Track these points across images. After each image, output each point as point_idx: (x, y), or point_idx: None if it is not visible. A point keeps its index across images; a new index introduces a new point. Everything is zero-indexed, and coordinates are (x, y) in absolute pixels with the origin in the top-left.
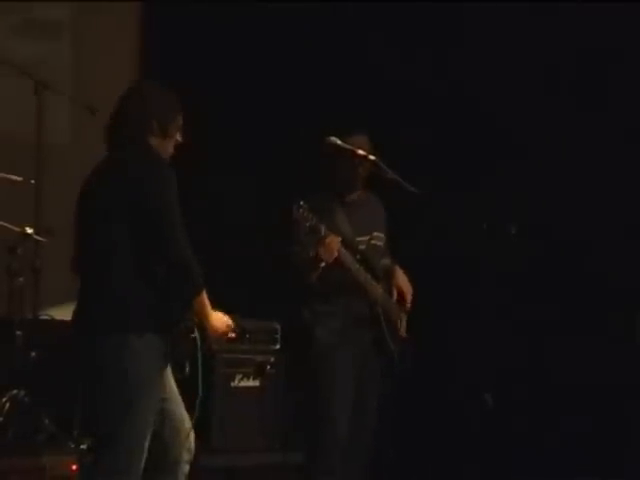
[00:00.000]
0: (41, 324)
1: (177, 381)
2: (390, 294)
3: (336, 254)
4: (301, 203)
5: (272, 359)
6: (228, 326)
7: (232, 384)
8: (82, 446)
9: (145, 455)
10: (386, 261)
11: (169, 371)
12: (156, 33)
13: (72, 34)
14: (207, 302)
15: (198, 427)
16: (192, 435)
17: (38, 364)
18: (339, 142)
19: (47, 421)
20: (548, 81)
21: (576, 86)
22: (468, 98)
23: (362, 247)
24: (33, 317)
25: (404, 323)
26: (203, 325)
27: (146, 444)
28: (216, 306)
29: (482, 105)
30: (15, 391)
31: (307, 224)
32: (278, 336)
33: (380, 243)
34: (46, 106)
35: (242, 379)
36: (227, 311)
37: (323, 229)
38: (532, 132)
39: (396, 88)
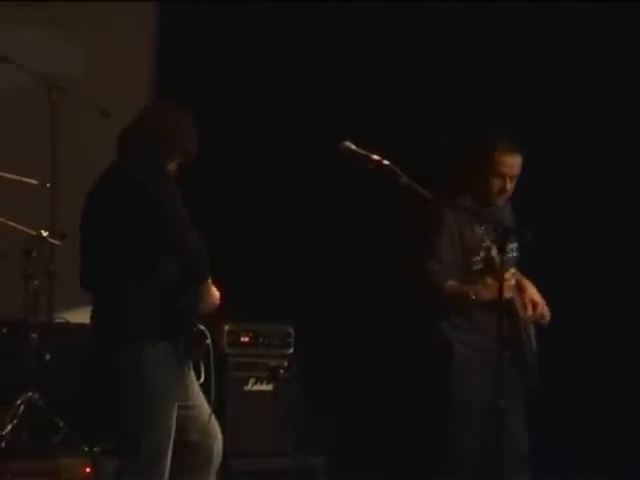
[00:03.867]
0: (56, 327)
1: None
2: (523, 307)
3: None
4: (483, 228)
5: (285, 363)
6: (218, 299)
7: (245, 388)
8: (96, 449)
9: (168, 461)
10: (515, 272)
11: (193, 377)
12: (171, 34)
13: (85, 35)
14: (210, 286)
15: None
16: (220, 436)
17: (53, 367)
18: (353, 147)
19: (61, 424)
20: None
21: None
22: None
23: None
24: (48, 320)
25: (533, 337)
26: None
27: (169, 450)
28: (232, 309)
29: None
30: (30, 394)
31: (484, 245)
32: (292, 340)
33: (514, 254)
34: (60, 109)
35: (255, 383)
36: (240, 314)
37: (495, 251)
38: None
39: (406, 91)
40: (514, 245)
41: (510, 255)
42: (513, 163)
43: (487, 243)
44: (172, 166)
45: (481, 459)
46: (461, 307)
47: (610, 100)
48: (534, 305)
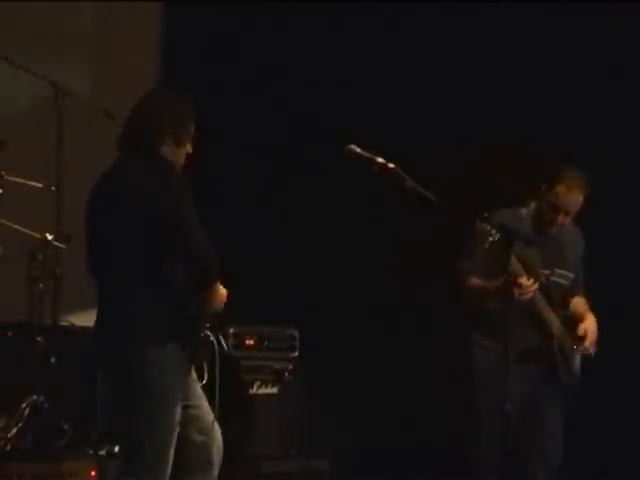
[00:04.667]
0: (61, 330)
1: None
2: (571, 332)
3: (529, 296)
4: (486, 215)
5: (290, 366)
6: (224, 299)
7: (251, 391)
8: (101, 452)
9: (171, 459)
10: (578, 300)
11: (194, 378)
12: (176, 34)
13: (91, 37)
14: (217, 289)
15: None
16: (220, 438)
17: (58, 370)
18: (358, 150)
19: (66, 426)
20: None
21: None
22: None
23: (541, 279)
24: (53, 323)
25: (577, 363)
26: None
27: (171, 452)
28: (237, 312)
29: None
30: (35, 396)
31: (490, 239)
32: (296, 343)
33: (563, 281)
34: (66, 112)
35: (260, 386)
36: (245, 317)
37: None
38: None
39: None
40: (566, 273)
41: (554, 280)
42: (571, 200)
43: (494, 237)
44: (175, 156)
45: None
46: (480, 303)
47: (616, 100)
48: (584, 333)
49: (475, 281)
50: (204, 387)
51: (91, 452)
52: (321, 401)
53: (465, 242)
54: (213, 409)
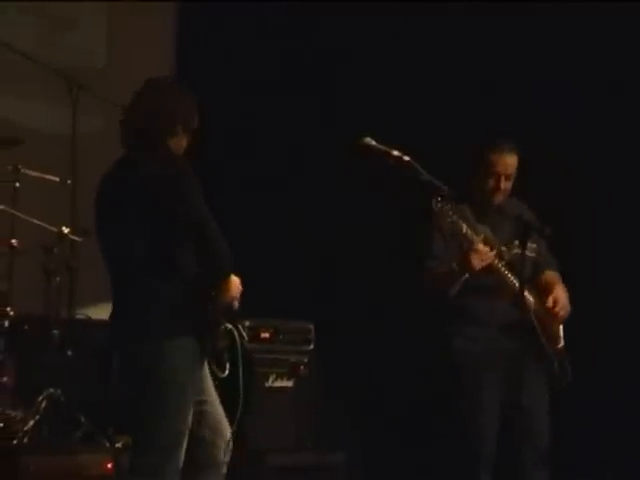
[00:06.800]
0: (77, 323)
1: (216, 381)
2: (544, 304)
3: (488, 262)
4: (440, 198)
5: (306, 359)
6: (239, 289)
7: (266, 384)
8: (117, 445)
9: (183, 455)
10: (550, 273)
11: (207, 373)
12: (191, 33)
13: (107, 34)
14: (232, 279)
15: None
16: (230, 435)
17: (74, 363)
18: (373, 143)
19: (83, 419)
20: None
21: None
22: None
23: (501, 249)
24: (69, 316)
25: (560, 334)
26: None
27: (183, 444)
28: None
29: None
30: (51, 390)
31: (448, 220)
32: (312, 336)
33: (528, 253)
34: (81, 107)
35: (276, 379)
36: (261, 310)
37: (465, 227)
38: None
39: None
40: (532, 246)
41: (518, 252)
42: (506, 162)
43: (452, 218)
44: (179, 144)
45: (499, 456)
46: (451, 285)
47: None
48: (554, 303)
49: (439, 271)
50: (223, 380)
51: (107, 444)
52: (336, 395)
53: (425, 240)
54: (236, 403)
